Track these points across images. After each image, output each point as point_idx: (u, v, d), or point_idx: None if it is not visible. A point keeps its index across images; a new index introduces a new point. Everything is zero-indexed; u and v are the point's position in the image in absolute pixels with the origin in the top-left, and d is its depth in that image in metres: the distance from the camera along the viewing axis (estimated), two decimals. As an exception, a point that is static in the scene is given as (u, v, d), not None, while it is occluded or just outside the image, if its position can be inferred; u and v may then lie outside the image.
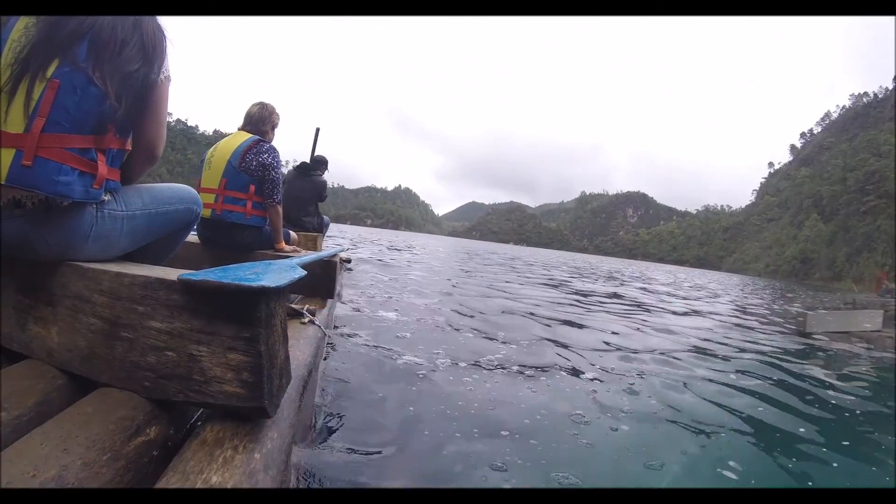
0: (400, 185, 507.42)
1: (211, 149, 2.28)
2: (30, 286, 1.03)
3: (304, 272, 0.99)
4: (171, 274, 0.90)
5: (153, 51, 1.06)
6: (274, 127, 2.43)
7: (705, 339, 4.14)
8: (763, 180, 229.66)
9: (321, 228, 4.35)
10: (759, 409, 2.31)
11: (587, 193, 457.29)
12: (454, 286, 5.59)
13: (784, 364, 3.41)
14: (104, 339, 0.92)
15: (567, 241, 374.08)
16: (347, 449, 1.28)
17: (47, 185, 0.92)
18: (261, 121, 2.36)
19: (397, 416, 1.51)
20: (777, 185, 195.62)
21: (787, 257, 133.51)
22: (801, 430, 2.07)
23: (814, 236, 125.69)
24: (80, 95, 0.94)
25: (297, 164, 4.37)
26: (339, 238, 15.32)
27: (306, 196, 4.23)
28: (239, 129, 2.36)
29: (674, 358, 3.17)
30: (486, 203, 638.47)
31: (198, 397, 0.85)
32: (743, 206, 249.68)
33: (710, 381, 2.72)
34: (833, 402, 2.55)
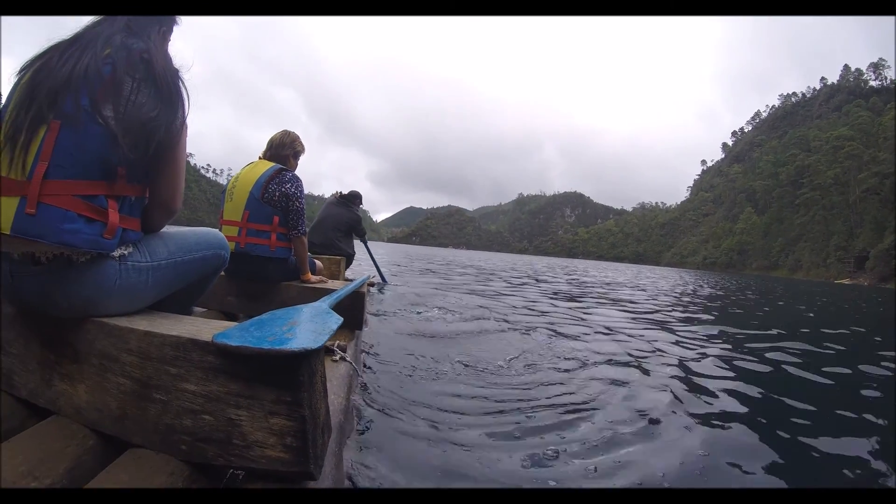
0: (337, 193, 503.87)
1: (232, 179, 2.10)
2: (54, 341, 0.91)
3: (340, 319, 0.88)
4: (205, 333, 0.79)
5: (169, 91, 0.90)
6: (296, 154, 2.27)
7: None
8: (697, 177, 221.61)
9: (345, 253, 4.28)
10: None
11: (524, 195, 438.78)
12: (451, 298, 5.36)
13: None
14: (135, 400, 0.80)
15: (507, 242, 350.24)
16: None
17: (52, 233, 0.79)
18: (282, 146, 2.21)
19: (438, 457, 1.40)
20: (711, 181, 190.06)
21: (724, 249, 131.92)
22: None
23: (749, 228, 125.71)
24: (82, 136, 0.81)
25: (338, 194, 4.70)
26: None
27: (339, 223, 4.42)
28: (260, 157, 2.20)
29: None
30: (425, 207, 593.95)
31: (239, 462, 0.74)
32: (678, 203, 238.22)
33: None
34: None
